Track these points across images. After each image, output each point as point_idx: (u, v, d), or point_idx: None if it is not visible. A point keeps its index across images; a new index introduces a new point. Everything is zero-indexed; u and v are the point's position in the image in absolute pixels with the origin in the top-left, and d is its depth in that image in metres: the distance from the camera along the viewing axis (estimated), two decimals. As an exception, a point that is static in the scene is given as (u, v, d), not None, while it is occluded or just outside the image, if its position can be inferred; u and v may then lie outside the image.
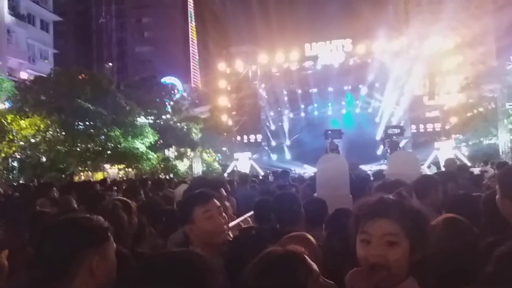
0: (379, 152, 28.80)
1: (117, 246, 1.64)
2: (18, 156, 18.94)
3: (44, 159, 18.80)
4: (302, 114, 36.96)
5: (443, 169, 11.97)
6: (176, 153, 28.44)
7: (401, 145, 18.77)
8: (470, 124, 25.33)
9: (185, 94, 35.08)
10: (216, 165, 30.16)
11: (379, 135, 30.74)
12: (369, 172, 12.04)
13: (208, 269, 1.26)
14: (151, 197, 5.31)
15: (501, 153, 22.33)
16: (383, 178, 5.69)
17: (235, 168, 25.23)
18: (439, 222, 1.92)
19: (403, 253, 1.42)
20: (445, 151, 21.57)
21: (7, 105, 18.40)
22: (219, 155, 32.60)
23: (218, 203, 2.25)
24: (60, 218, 1.59)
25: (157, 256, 1.30)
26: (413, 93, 31.74)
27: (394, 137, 16.91)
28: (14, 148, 17.70)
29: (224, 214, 2.26)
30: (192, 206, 2.20)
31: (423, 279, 1.45)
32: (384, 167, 12.54)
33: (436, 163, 18.95)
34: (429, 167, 17.13)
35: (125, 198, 2.73)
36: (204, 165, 29.48)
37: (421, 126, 33.87)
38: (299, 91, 34.52)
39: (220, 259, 2.14)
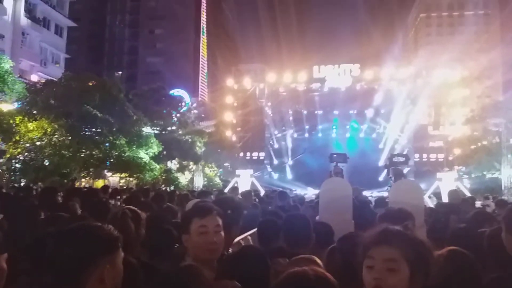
0: (381, 178, 28.73)
1: (124, 255, 1.68)
2: (22, 158, 18.98)
3: (47, 163, 18.83)
4: (306, 135, 37.06)
5: (444, 200, 11.96)
6: (178, 165, 28.45)
7: (404, 172, 18.73)
8: (474, 157, 25.32)
9: (192, 107, 35.29)
10: (217, 180, 30.13)
11: (381, 161, 30.74)
12: (370, 198, 12.03)
13: None
14: (157, 210, 5.33)
15: (503, 188, 22.23)
16: (385, 206, 5.72)
17: (236, 185, 25.18)
18: (443, 253, 1.97)
19: (403, 279, 1.49)
20: (447, 182, 21.48)
21: (16, 106, 18.56)
22: (221, 170, 32.58)
23: (218, 220, 2.26)
24: (74, 226, 1.62)
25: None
26: (418, 122, 31.85)
27: (398, 165, 16.87)
28: (19, 150, 17.77)
29: (221, 233, 2.26)
30: (191, 218, 2.24)
31: None
32: (386, 194, 12.51)
33: (437, 193, 18.87)
34: (430, 197, 17.06)
35: (135, 208, 2.76)
36: (206, 179, 29.45)
37: (425, 155, 33.83)
38: (305, 112, 34.68)
39: (211, 274, 2.16)
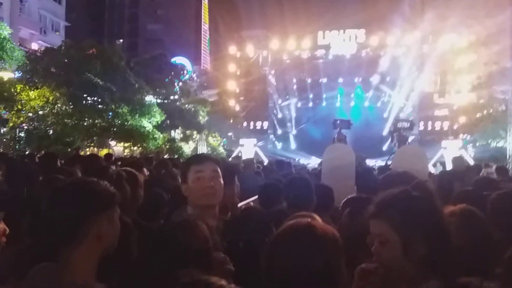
0: (385, 147, 28.67)
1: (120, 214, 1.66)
2: (26, 127, 19.01)
3: (51, 131, 18.86)
4: (310, 104, 36.76)
5: (448, 169, 11.88)
6: (182, 135, 28.46)
7: (409, 141, 18.54)
8: (479, 125, 25.05)
9: (194, 76, 34.92)
10: (221, 149, 30.16)
11: (386, 131, 30.57)
12: (373, 167, 11.97)
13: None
14: (156, 174, 5.29)
15: (508, 157, 22.10)
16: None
17: (239, 154, 25.22)
18: (455, 212, 1.88)
19: (395, 251, 1.42)
20: (452, 150, 21.38)
21: (17, 75, 18.41)
22: (224, 139, 32.58)
23: (215, 166, 2.27)
24: (69, 182, 1.58)
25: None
26: (424, 90, 31.46)
27: (403, 131, 16.60)
28: (22, 119, 17.76)
29: (220, 179, 2.27)
30: (189, 166, 2.25)
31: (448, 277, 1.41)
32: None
33: (442, 162, 18.81)
34: (434, 165, 17.01)
35: (132, 170, 2.70)
36: (209, 148, 29.48)
37: (429, 124, 33.60)
38: (309, 80, 34.27)
39: (212, 222, 2.16)
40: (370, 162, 15.75)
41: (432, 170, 12.04)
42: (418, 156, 5.36)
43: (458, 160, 7.59)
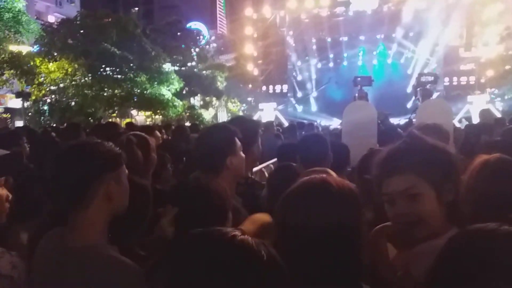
0: (409, 105, 28.01)
1: (133, 176, 1.63)
2: (48, 100, 19.38)
3: (73, 103, 19.18)
4: (331, 64, 35.88)
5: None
6: (201, 102, 28.51)
7: (433, 96, 17.99)
8: (508, 78, 24.11)
9: (210, 41, 34.52)
10: (241, 115, 30.17)
11: (410, 88, 29.79)
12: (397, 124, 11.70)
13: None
14: (172, 138, 5.28)
15: (538, 109, 21.35)
16: (413, 128, 5.47)
17: (259, 119, 25.15)
18: (489, 160, 1.77)
19: (431, 201, 1.32)
20: (478, 105, 20.73)
21: (35, 48, 18.57)
22: (244, 105, 32.48)
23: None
24: (72, 144, 1.54)
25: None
26: (449, 44, 30.33)
27: (427, 85, 16.01)
28: (43, 92, 18.07)
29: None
30: (233, 137, 2.13)
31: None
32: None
33: (468, 117, 18.28)
34: (460, 121, 16.52)
35: (142, 133, 2.65)
36: (229, 114, 29.51)
37: (455, 79, 32.53)
38: (329, 40, 33.29)
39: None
40: (394, 120, 15.40)
41: (457, 125, 11.69)
42: (442, 110, 5.15)
43: (485, 113, 7.30)
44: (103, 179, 1.46)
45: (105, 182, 1.46)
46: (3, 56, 15.02)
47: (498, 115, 19.64)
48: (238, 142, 2.13)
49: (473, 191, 1.59)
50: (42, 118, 19.00)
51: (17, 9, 14.36)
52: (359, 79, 15.02)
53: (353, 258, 1.15)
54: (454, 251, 0.96)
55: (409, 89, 29.96)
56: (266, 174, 4.15)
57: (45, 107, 19.46)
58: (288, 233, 1.17)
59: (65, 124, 14.84)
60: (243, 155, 2.15)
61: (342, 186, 1.22)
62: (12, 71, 15.77)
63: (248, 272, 0.80)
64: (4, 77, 15.71)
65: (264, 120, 22.94)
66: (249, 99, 32.58)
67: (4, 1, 14.07)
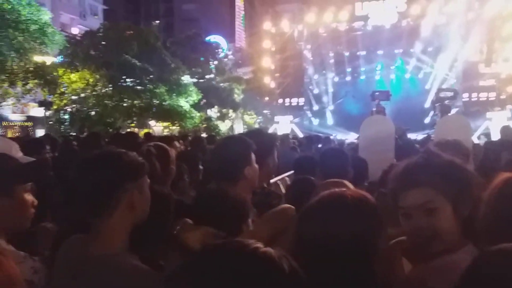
0: (427, 120, 27.65)
1: (154, 185, 1.65)
2: (69, 110, 19.78)
3: (93, 113, 19.54)
4: (348, 78, 35.70)
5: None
6: (218, 114, 28.70)
7: (452, 112, 17.74)
8: (529, 95, 23.67)
9: (229, 54, 34.85)
10: (256, 127, 30.23)
11: (428, 103, 29.44)
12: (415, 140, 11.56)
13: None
14: (189, 149, 5.34)
15: (561, 127, 20.79)
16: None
17: (275, 131, 25.16)
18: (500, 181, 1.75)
19: (448, 216, 1.33)
20: (498, 122, 20.34)
21: (59, 59, 19.06)
22: (260, 117, 32.55)
23: None
24: (97, 153, 1.56)
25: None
26: (468, 60, 29.91)
27: (446, 100, 15.80)
28: (65, 101, 18.49)
29: None
30: (249, 149, 2.17)
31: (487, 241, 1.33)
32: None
33: (486, 134, 17.94)
34: (479, 138, 16.23)
35: (162, 144, 2.69)
36: (245, 126, 29.60)
37: (474, 95, 31.93)
38: (346, 54, 33.19)
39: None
40: (411, 136, 15.25)
41: (476, 142, 11.49)
42: (461, 126, 5.09)
43: (506, 130, 7.14)
44: (126, 188, 1.48)
45: (129, 191, 1.48)
46: (28, 66, 15.44)
47: (520, 132, 19.19)
48: (253, 154, 2.17)
49: (494, 209, 1.57)
50: (62, 127, 19.39)
51: (43, 21, 14.79)
52: (377, 93, 14.98)
53: (368, 271, 1.15)
54: (479, 271, 0.95)
55: (427, 105, 29.60)
56: (281, 187, 4.15)
57: (66, 116, 19.86)
58: (305, 246, 1.18)
59: (84, 133, 15.15)
60: (256, 166, 2.18)
61: (359, 199, 1.23)
62: (36, 80, 16.18)
63: (270, 285, 0.78)
64: (28, 87, 16.12)
65: (279, 133, 23.01)
66: (265, 111, 32.64)
67: (31, 13, 14.50)
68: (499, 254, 0.96)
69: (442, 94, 16.60)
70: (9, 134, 20.60)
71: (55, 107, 18.24)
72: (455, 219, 1.34)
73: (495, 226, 1.50)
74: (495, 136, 12.32)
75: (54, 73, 16.89)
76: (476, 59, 30.57)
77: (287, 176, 4.93)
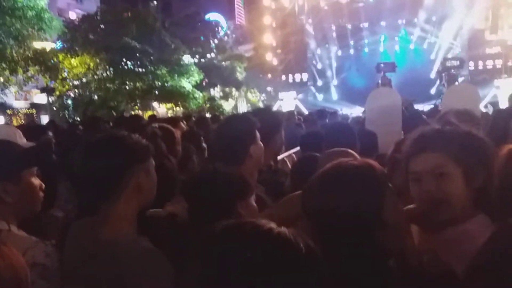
0: (433, 91, 27.41)
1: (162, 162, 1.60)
2: (72, 95, 19.78)
3: (95, 97, 19.54)
4: (352, 51, 35.29)
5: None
6: (221, 93, 28.59)
7: (458, 81, 17.53)
8: (537, 60, 23.32)
9: (229, 32, 34.44)
10: (260, 105, 30.12)
11: (433, 73, 29.11)
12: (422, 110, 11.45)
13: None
14: (195, 128, 5.30)
15: None
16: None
17: (280, 108, 25.07)
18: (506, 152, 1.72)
19: (459, 183, 1.31)
20: (506, 89, 20.09)
21: (58, 45, 18.93)
22: (263, 95, 32.40)
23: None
24: (101, 136, 1.54)
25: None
26: (473, 27, 29.42)
27: (452, 70, 15.61)
28: (67, 87, 18.47)
29: None
30: (254, 127, 2.15)
31: (499, 213, 1.30)
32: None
33: (494, 102, 17.74)
34: (486, 107, 16.05)
35: (167, 126, 2.67)
36: (249, 105, 29.50)
37: (480, 63, 31.55)
38: (349, 26, 32.73)
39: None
40: (418, 107, 15.13)
41: (483, 110, 11.35)
42: (469, 95, 5.00)
43: (515, 97, 7.00)
44: (133, 171, 1.48)
45: (136, 173, 1.48)
46: (27, 53, 15.36)
47: (528, 99, 18.97)
48: (258, 132, 2.14)
49: (505, 177, 1.54)
50: (66, 112, 19.43)
51: (39, 7, 14.60)
52: (382, 65, 14.80)
53: (375, 244, 1.12)
54: (497, 244, 0.92)
55: (432, 75, 29.30)
56: (288, 163, 4.13)
57: (69, 102, 19.88)
58: (312, 221, 1.16)
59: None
60: (262, 144, 2.15)
61: (361, 168, 1.20)
62: (36, 67, 16.13)
63: (288, 266, 0.77)
64: (29, 74, 16.08)
65: (284, 110, 22.93)
66: (269, 89, 32.47)
67: (27, 0, 14.35)
68: None
69: (448, 64, 16.37)
70: (14, 122, 20.68)
71: (57, 92, 18.23)
72: (466, 187, 1.32)
73: (506, 197, 1.47)
74: (503, 104, 12.17)
75: (54, 59, 16.81)
76: (482, 26, 30.07)
77: (294, 153, 4.90)
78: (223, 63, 27.49)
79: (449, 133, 1.38)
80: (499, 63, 30.21)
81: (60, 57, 17.51)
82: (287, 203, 1.69)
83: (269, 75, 32.75)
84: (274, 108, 25.85)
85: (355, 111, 23.24)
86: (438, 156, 1.33)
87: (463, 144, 1.34)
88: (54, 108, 19.49)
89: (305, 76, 34.60)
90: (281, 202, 1.77)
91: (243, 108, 28.55)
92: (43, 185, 1.70)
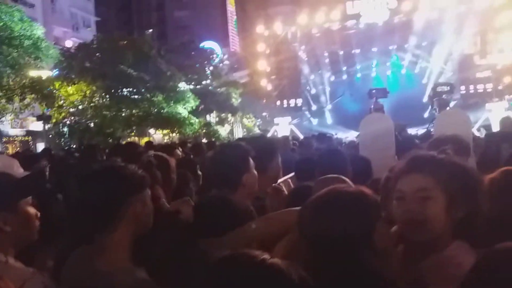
0: (426, 115, 27.68)
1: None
2: (68, 122, 19.81)
3: (92, 124, 19.56)
4: (344, 77, 35.82)
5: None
6: (217, 119, 28.73)
7: (450, 105, 17.79)
8: (526, 84, 23.74)
9: (224, 58, 34.92)
10: (256, 130, 30.25)
11: (426, 97, 29.50)
12: (415, 135, 11.57)
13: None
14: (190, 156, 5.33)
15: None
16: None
17: (275, 133, 25.17)
18: (497, 175, 1.76)
19: (438, 209, 1.33)
20: (498, 113, 20.35)
21: (55, 72, 19.09)
22: (259, 120, 32.59)
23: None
24: (99, 167, 1.58)
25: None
26: (463, 52, 30.05)
27: (443, 95, 15.85)
28: (63, 114, 18.50)
29: None
30: (247, 156, 2.17)
31: (477, 240, 1.33)
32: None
33: (486, 126, 17.93)
34: (478, 130, 16.22)
35: (163, 154, 2.70)
36: (245, 130, 29.63)
37: (471, 87, 32.03)
38: (341, 52, 33.30)
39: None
40: (411, 131, 15.26)
41: (476, 134, 11.48)
42: (461, 120, 5.07)
43: (506, 121, 7.10)
44: (130, 201, 1.50)
45: (132, 204, 1.51)
46: (24, 81, 15.47)
47: (519, 122, 19.18)
48: (251, 160, 2.16)
49: (497, 199, 1.57)
50: (62, 139, 19.40)
51: (36, 36, 14.82)
52: (374, 91, 15.00)
53: (366, 264, 1.15)
54: (486, 270, 0.95)
55: (425, 99, 29.65)
56: (284, 189, 4.13)
57: (65, 129, 19.88)
58: (307, 241, 1.21)
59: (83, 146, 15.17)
60: (256, 173, 2.18)
61: (353, 194, 1.25)
62: (33, 95, 16.22)
63: None
64: (26, 102, 16.15)
65: (280, 134, 23.02)
66: (264, 114, 32.68)
67: (24, 29, 14.56)
68: (503, 253, 0.95)
69: (439, 89, 16.62)
70: (10, 150, 20.60)
71: (53, 120, 18.25)
72: (446, 214, 1.34)
73: (498, 219, 1.49)
74: (495, 128, 12.31)
75: (51, 87, 16.92)
76: (471, 51, 30.72)
77: (289, 178, 4.91)
78: (219, 89, 27.74)
79: (441, 160, 1.41)
80: (489, 86, 30.71)
81: (57, 85, 17.63)
82: (272, 219, 1.72)
83: (264, 101, 33.03)
84: (270, 133, 26.00)
85: (350, 135, 23.39)
86: (426, 180, 1.35)
87: (452, 174, 1.36)
88: (50, 136, 19.48)
89: (299, 101, 34.91)
90: (267, 216, 1.80)
91: (239, 133, 28.66)
92: (39, 214, 1.71)
